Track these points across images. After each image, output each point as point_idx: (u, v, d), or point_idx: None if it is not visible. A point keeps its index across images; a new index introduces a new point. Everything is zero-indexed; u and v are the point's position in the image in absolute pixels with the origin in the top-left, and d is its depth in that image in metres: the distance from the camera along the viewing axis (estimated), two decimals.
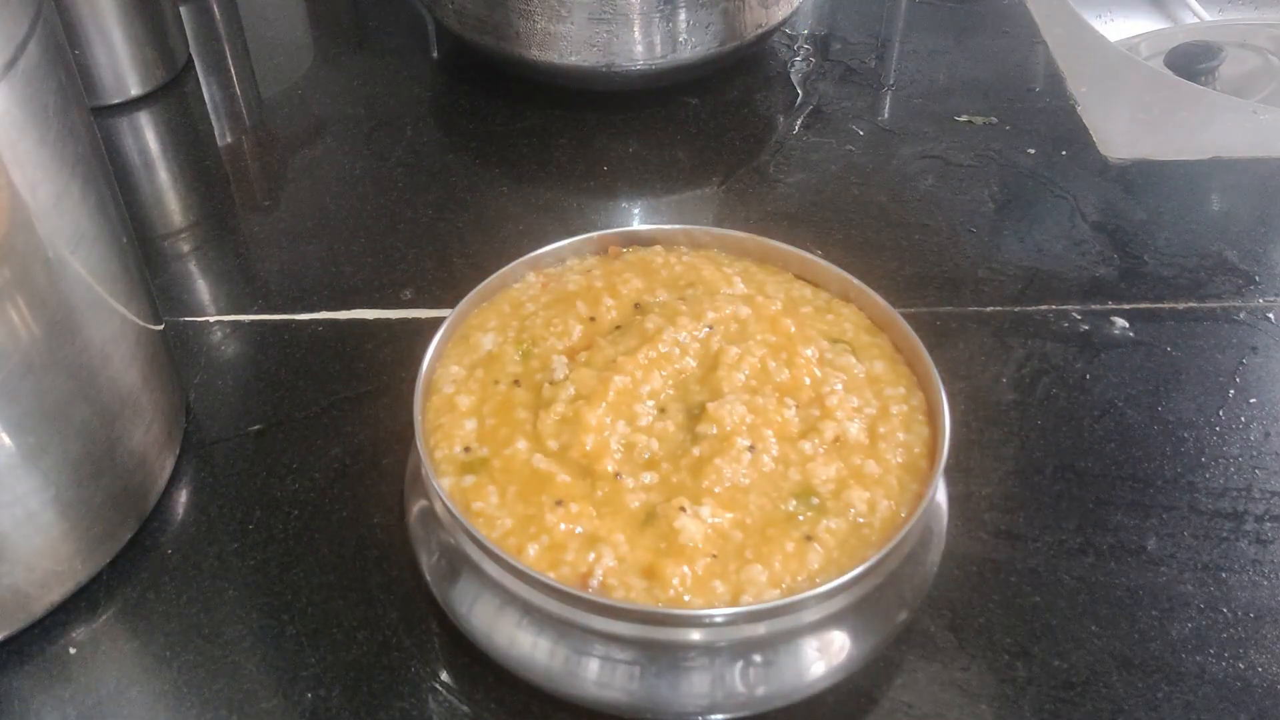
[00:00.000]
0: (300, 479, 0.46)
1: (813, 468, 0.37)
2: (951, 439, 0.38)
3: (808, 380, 0.40)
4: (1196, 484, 0.46)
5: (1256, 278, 0.56)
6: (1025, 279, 0.56)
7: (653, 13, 0.63)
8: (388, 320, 0.54)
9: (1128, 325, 0.53)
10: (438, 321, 0.41)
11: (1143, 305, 0.54)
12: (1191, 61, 0.77)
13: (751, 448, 0.37)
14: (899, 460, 0.38)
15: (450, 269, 0.56)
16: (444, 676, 0.39)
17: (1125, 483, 0.46)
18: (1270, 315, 0.54)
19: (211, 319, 0.54)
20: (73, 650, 0.40)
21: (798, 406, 0.39)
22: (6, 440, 0.36)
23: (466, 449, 0.38)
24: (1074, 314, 0.54)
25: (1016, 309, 0.54)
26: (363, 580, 0.42)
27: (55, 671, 0.39)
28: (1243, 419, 0.49)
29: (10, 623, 0.40)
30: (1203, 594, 0.42)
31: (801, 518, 0.36)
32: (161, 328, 0.46)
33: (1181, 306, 0.54)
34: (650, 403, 0.39)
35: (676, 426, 0.38)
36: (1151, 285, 0.56)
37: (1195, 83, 0.74)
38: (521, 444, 0.37)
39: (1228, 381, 0.50)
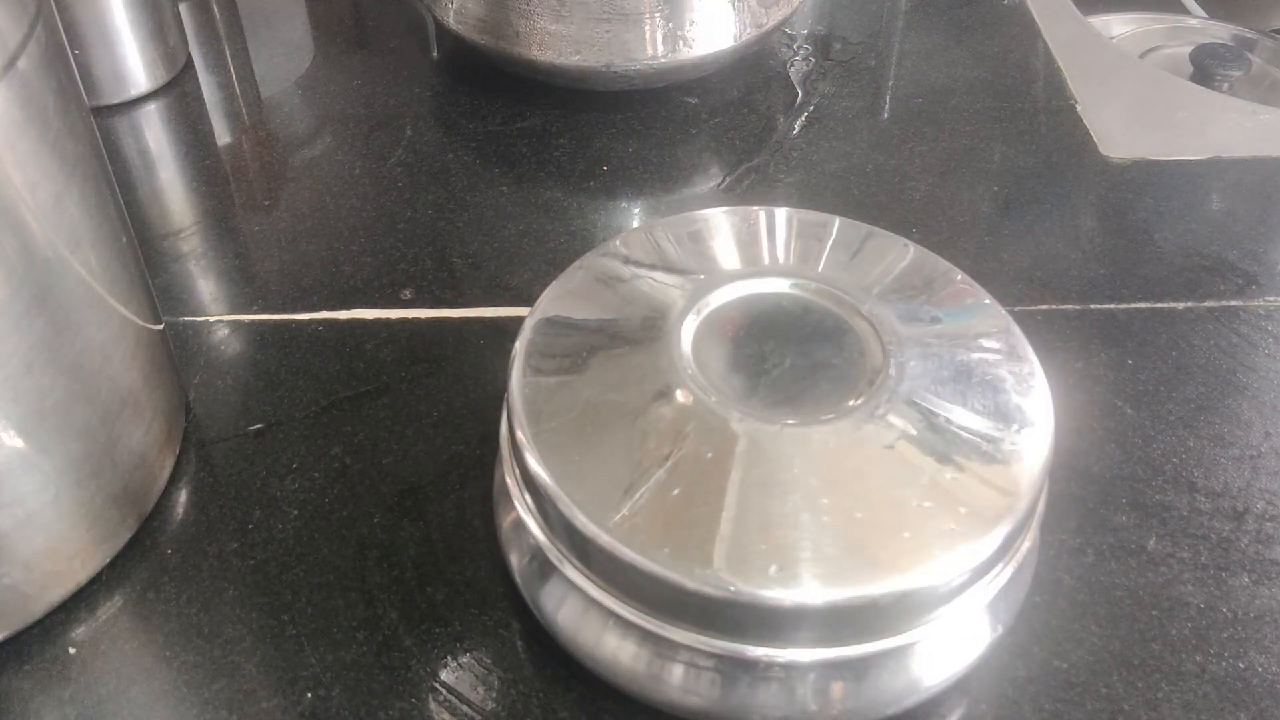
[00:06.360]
0: (300, 479, 0.46)
1: None
2: None
3: None
4: (1196, 484, 0.46)
5: (1257, 278, 0.56)
6: (1025, 279, 0.56)
7: (653, 13, 0.63)
8: (387, 320, 0.54)
9: (1128, 325, 0.53)
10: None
11: (1143, 305, 0.54)
12: (1215, 64, 0.77)
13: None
14: None
15: (450, 269, 0.56)
16: (444, 676, 0.39)
17: (1125, 483, 0.46)
18: (1270, 315, 0.54)
19: (211, 319, 0.54)
20: (73, 650, 0.40)
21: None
22: (6, 440, 0.36)
23: None
24: (1074, 314, 0.54)
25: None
26: (362, 580, 0.42)
27: (55, 671, 0.39)
28: (1243, 419, 0.49)
29: (10, 623, 0.40)
30: (1202, 594, 0.42)
31: None
32: (161, 328, 0.46)
33: (1181, 306, 0.54)
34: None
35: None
36: (1151, 285, 0.56)
37: (1211, 85, 0.74)
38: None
39: (1228, 381, 0.50)
